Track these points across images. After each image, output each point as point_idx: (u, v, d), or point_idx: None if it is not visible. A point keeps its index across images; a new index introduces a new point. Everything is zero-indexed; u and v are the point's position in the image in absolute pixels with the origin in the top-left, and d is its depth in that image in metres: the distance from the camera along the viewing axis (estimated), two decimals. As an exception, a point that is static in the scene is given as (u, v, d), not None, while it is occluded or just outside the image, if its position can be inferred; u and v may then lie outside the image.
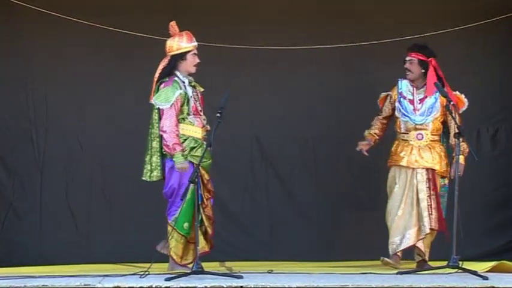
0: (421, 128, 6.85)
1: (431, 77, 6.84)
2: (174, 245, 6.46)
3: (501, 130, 8.09)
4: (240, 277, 5.79)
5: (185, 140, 6.48)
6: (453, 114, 6.53)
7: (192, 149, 6.44)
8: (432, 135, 6.87)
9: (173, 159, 6.38)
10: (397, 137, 7.00)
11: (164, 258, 6.47)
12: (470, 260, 6.46)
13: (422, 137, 6.86)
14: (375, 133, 7.04)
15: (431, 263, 6.73)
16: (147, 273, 5.89)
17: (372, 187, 7.85)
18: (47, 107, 7.96)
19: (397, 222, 6.80)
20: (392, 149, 6.96)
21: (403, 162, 6.83)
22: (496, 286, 5.54)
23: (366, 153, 6.99)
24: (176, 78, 6.54)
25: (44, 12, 7.59)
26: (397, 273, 6.15)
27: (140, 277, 5.81)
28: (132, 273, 6.02)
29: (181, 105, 6.47)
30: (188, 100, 6.49)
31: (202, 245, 6.40)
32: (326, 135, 8.04)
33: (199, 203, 6.33)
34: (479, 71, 8.10)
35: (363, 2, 7.98)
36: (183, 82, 6.55)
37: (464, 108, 6.91)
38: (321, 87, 8.08)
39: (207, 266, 6.07)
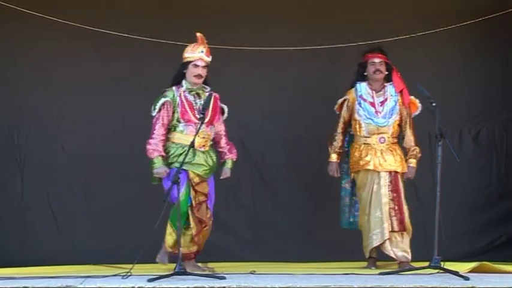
0: (383, 131, 6.97)
1: (396, 76, 7.01)
2: (167, 235, 6.57)
3: (483, 131, 8.13)
4: (223, 278, 5.79)
5: (174, 147, 6.55)
6: (436, 117, 6.57)
7: (179, 155, 6.48)
8: (392, 137, 7.04)
9: (152, 165, 6.48)
10: (356, 140, 7.10)
11: (146, 259, 6.45)
12: (452, 261, 6.48)
13: (385, 140, 7.00)
14: (340, 151, 7.18)
15: (413, 264, 6.75)
16: (129, 274, 5.87)
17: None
18: (29, 107, 7.92)
19: (367, 225, 6.93)
20: (356, 153, 7.05)
21: (370, 166, 6.96)
22: (477, 286, 5.56)
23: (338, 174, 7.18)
24: (174, 87, 6.60)
25: (27, 12, 7.56)
26: (379, 274, 6.17)
27: (122, 278, 5.79)
28: (114, 274, 5.99)
29: (173, 113, 6.55)
30: (175, 108, 6.54)
31: (188, 246, 6.55)
32: (310, 135, 8.04)
33: (188, 205, 6.44)
34: (461, 73, 8.14)
35: (352, 3, 7.99)
36: (180, 89, 6.59)
37: (416, 113, 7.04)
38: (304, 88, 8.09)
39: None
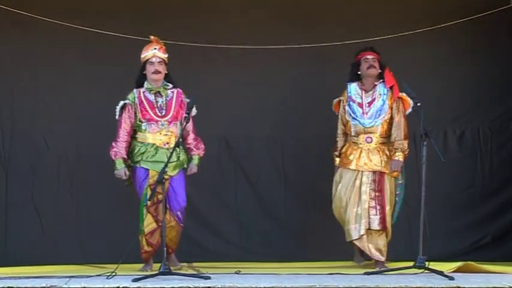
0: (370, 131, 6.98)
1: (388, 73, 7.01)
2: (140, 239, 6.73)
3: (467, 131, 8.15)
4: (208, 278, 5.78)
5: (138, 146, 6.73)
6: (421, 116, 6.59)
7: (142, 153, 6.66)
8: (381, 137, 7.02)
9: (114, 166, 6.70)
10: (348, 139, 7.12)
11: (131, 260, 6.44)
12: (437, 261, 6.50)
13: (372, 140, 6.99)
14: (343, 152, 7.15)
15: (399, 264, 6.76)
16: (114, 274, 5.85)
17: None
18: (13, 106, 7.88)
19: (343, 218, 6.94)
20: (343, 150, 7.07)
21: (352, 166, 6.98)
22: (461, 286, 5.57)
23: None
24: (135, 90, 6.77)
25: (9, 10, 7.52)
26: (364, 274, 6.18)
27: (107, 278, 5.77)
28: (99, 274, 5.98)
29: (135, 113, 6.73)
30: (136, 109, 6.72)
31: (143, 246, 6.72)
32: (295, 135, 8.06)
33: (144, 204, 6.57)
34: (446, 73, 8.16)
35: (341, 2, 7.99)
36: (140, 90, 6.76)
37: (408, 111, 7.01)
38: (289, 87, 8.09)
39: (174, 266, 6.05)
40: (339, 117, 7.15)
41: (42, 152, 7.93)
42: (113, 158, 6.70)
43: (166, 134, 6.68)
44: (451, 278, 5.82)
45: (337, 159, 7.13)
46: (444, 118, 8.08)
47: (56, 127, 7.93)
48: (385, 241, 6.92)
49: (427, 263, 6.06)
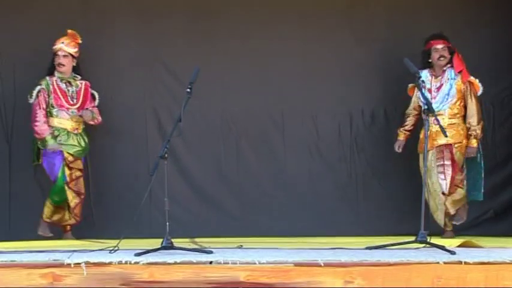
0: (438, 113, 7.13)
1: (457, 58, 7.32)
2: (45, 208, 7.43)
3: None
4: (210, 252, 5.79)
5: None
6: (422, 91, 6.63)
7: (56, 137, 7.34)
8: (449, 119, 7.29)
9: (45, 143, 7.33)
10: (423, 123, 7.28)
11: (133, 235, 6.46)
12: (438, 236, 6.51)
13: (439, 122, 7.07)
14: (409, 131, 7.51)
15: (402, 238, 6.77)
16: (116, 248, 5.87)
17: (341, 161, 7.92)
18: (15, 80, 7.86)
19: (432, 200, 7.23)
20: (420, 135, 7.34)
21: (427, 147, 7.10)
22: (463, 260, 5.58)
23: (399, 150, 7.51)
24: (47, 77, 7.42)
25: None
26: (365, 248, 6.18)
27: (110, 252, 5.78)
28: (101, 248, 5.99)
29: (48, 98, 7.38)
30: (49, 95, 7.32)
31: (67, 218, 7.42)
32: (296, 109, 8.05)
33: (65, 181, 7.32)
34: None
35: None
36: (52, 78, 7.39)
37: (479, 92, 7.36)
38: (291, 61, 8.07)
39: (176, 241, 6.06)
40: (412, 100, 7.46)
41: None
42: (43, 135, 7.34)
43: (76, 121, 7.43)
44: (453, 253, 5.82)
45: (401, 134, 7.49)
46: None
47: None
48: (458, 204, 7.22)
49: (428, 237, 6.07)
